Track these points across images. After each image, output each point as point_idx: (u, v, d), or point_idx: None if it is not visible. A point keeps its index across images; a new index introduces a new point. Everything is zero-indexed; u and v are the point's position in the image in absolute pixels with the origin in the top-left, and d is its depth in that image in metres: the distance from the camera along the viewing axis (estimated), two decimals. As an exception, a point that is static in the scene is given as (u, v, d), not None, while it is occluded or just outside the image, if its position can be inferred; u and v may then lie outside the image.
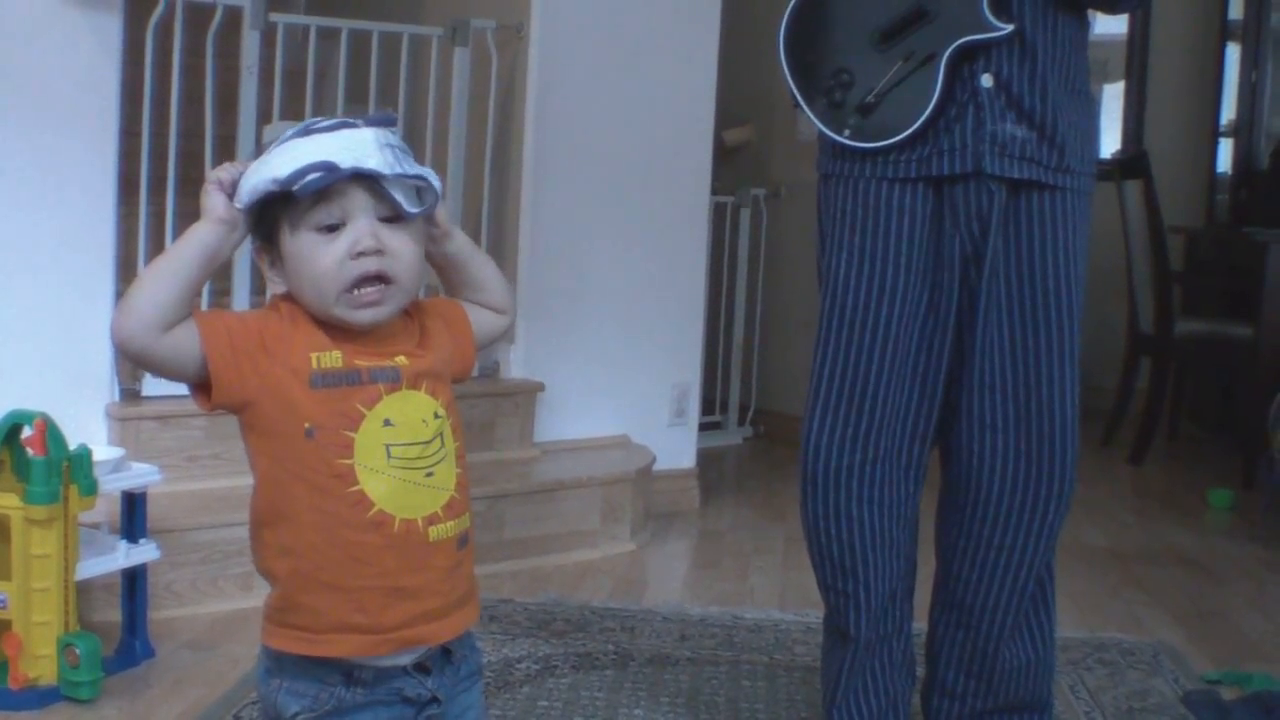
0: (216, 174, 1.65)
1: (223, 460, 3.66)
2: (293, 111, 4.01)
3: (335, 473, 1.63)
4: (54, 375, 3.47)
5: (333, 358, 1.64)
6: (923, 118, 2.32)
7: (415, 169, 1.65)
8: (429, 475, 1.67)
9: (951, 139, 2.34)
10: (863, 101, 2.36)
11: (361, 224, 1.62)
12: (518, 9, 4.41)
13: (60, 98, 3.45)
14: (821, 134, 2.42)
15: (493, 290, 1.85)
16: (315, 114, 4.03)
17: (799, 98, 2.41)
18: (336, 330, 1.66)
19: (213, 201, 1.64)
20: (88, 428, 3.46)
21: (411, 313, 1.75)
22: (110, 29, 3.50)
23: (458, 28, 4.32)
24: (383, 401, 1.64)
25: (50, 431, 2.82)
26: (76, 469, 2.85)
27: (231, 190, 1.64)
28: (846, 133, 2.38)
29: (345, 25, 4.16)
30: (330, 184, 1.60)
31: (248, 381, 1.63)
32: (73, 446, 2.88)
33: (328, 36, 4.21)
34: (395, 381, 1.66)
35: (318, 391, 1.63)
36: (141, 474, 3.12)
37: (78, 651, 2.82)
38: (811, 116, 2.41)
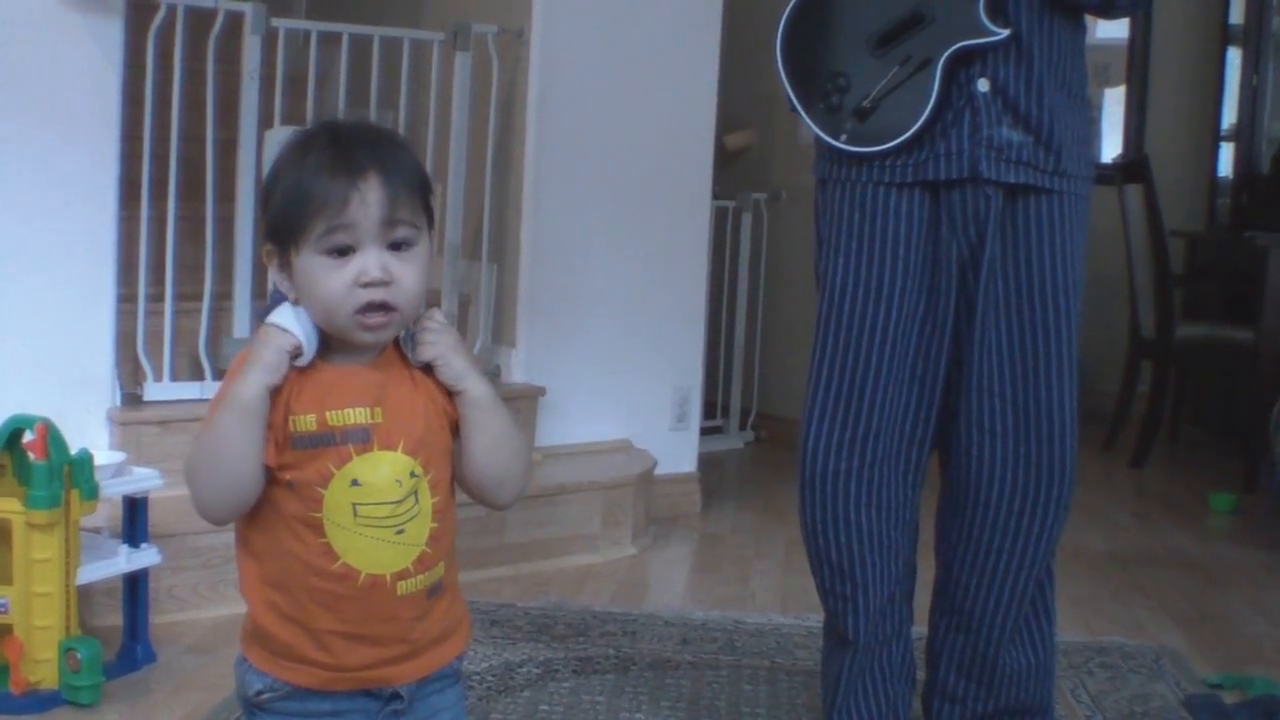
0: (288, 331, 1.66)
1: (224, 465, 3.65)
2: (294, 116, 4.01)
3: (308, 524, 1.67)
4: (55, 379, 3.47)
5: (307, 421, 1.66)
6: (919, 122, 2.32)
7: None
8: (399, 533, 1.69)
9: (948, 143, 2.34)
10: (859, 106, 2.36)
11: (370, 254, 1.64)
12: (519, 13, 4.41)
13: (62, 102, 3.45)
14: (818, 138, 2.42)
15: (490, 477, 1.77)
16: (317, 119, 4.04)
17: (796, 102, 2.42)
18: (314, 373, 1.68)
19: (277, 361, 1.65)
20: (89, 432, 3.46)
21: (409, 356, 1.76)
22: (112, 34, 3.50)
23: (459, 32, 4.32)
24: (352, 462, 1.66)
25: (52, 436, 2.82)
26: (78, 473, 2.86)
27: (296, 354, 1.66)
28: (843, 137, 2.38)
29: (346, 30, 4.16)
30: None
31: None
32: (74, 451, 2.88)
33: (329, 41, 4.21)
34: (365, 442, 1.67)
35: (295, 450, 1.66)
36: (143, 478, 3.13)
37: (79, 656, 2.82)
38: (808, 121, 2.41)
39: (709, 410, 5.60)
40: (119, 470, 3.10)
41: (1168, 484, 5.71)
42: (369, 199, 1.63)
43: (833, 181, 2.46)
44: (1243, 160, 6.87)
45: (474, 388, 1.74)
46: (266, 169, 3.74)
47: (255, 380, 1.63)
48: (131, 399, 3.70)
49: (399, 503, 1.68)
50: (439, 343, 1.72)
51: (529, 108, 4.41)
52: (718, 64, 4.80)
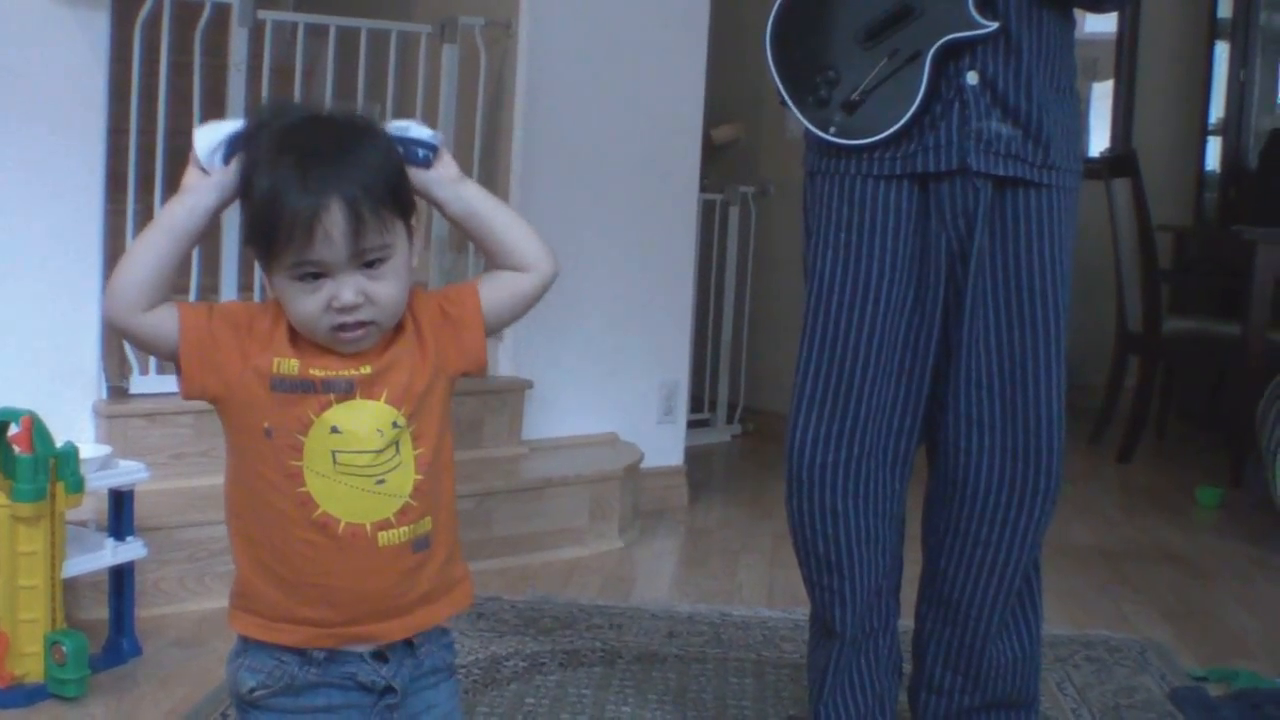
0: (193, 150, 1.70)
1: (210, 458, 3.65)
2: (281, 109, 4.00)
3: (287, 473, 1.67)
4: (41, 372, 3.47)
5: (290, 365, 1.67)
6: (907, 115, 2.32)
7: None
8: (380, 483, 1.69)
9: (936, 136, 2.34)
10: (848, 99, 2.36)
11: (343, 281, 1.63)
12: (506, 6, 4.41)
13: (48, 95, 3.44)
14: (807, 131, 2.42)
15: (512, 248, 1.83)
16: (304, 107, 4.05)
17: (785, 95, 2.42)
18: (294, 337, 1.69)
19: (186, 176, 1.69)
20: (75, 425, 3.46)
21: (420, 314, 1.76)
22: (98, 26, 3.50)
23: (446, 25, 4.32)
24: (331, 409, 1.67)
25: (37, 429, 2.81)
26: (63, 466, 2.85)
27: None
28: (832, 130, 2.38)
29: (333, 22, 4.15)
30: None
31: (207, 380, 1.69)
32: (60, 444, 2.87)
33: (316, 34, 4.20)
34: (348, 391, 1.68)
35: (276, 395, 1.67)
36: (129, 471, 3.12)
37: (64, 649, 2.81)
38: (797, 114, 2.41)
39: (696, 404, 5.60)
40: (105, 463, 3.10)
41: (1154, 478, 5.71)
42: (333, 235, 1.60)
43: (821, 174, 2.46)
44: (1230, 155, 6.88)
45: (472, 189, 1.80)
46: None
47: (172, 200, 1.69)
48: (117, 392, 3.70)
49: (379, 452, 1.69)
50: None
51: (516, 100, 4.41)
52: (705, 57, 4.79)
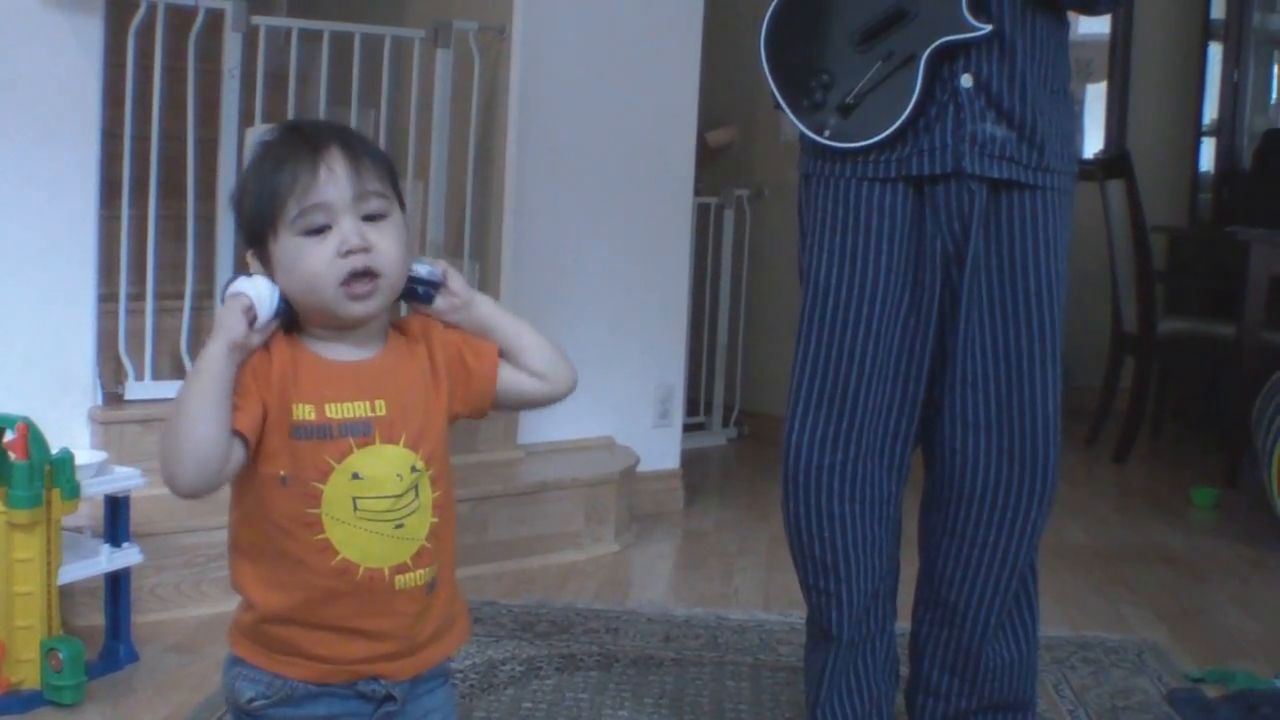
0: (241, 292, 1.67)
1: (206, 463, 3.64)
2: (275, 114, 4.00)
3: (304, 520, 1.67)
4: (36, 379, 3.46)
5: (307, 411, 1.67)
6: (902, 118, 2.32)
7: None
8: (399, 527, 1.70)
9: (931, 139, 2.34)
10: (842, 102, 2.36)
11: (347, 224, 1.66)
12: (500, 11, 4.41)
13: (42, 101, 3.44)
14: (802, 134, 2.42)
15: (530, 355, 1.84)
16: (297, 116, 4.04)
17: (779, 98, 2.42)
18: (315, 366, 1.69)
19: (232, 321, 1.65)
20: (70, 431, 3.46)
21: (419, 345, 1.77)
22: (92, 32, 3.49)
23: (440, 29, 4.31)
24: (353, 455, 1.67)
25: (32, 435, 2.81)
26: (59, 473, 2.85)
27: (253, 316, 1.67)
28: (826, 133, 2.38)
29: (327, 27, 4.15)
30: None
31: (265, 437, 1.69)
32: (55, 450, 2.87)
33: (310, 39, 4.20)
34: (366, 435, 1.68)
35: (295, 442, 1.66)
36: (124, 477, 3.12)
37: (61, 656, 2.81)
38: (791, 117, 2.41)
39: (692, 407, 5.60)
40: (100, 469, 3.09)
41: (1150, 479, 5.72)
42: (337, 172, 1.66)
43: (816, 177, 2.46)
44: (1224, 155, 6.89)
45: (483, 301, 1.82)
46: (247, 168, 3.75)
47: (216, 343, 1.64)
48: (113, 398, 3.70)
49: (399, 497, 1.69)
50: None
51: (511, 105, 4.41)
52: (699, 60, 4.79)
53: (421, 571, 1.72)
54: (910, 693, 2.65)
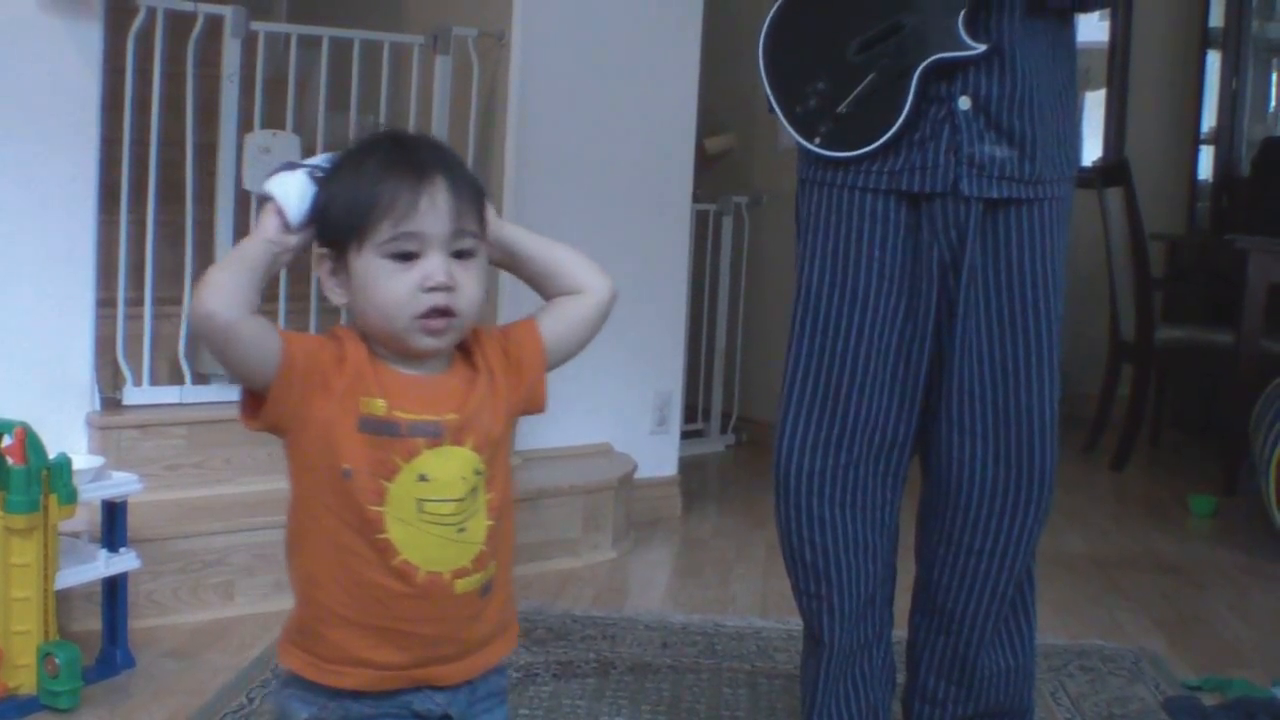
0: (268, 194, 1.66)
1: (203, 469, 3.64)
2: (274, 120, 4.00)
3: (366, 517, 1.63)
4: (34, 384, 3.46)
5: (377, 405, 1.63)
6: (891, 131, 2.32)
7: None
8: (461, 530, 1.67)
9: (924, 156, 2.33)
10: (835, 111, 2.36)
11: (436, 260, 1.63)
12: (499, 17, 4.41)
13: (41, 106, 3.44)
14: (794, 140, 2.43)
15: (564, 273, 1.82)
16: (296, 122, 4.05)
17: (774, 104, 2.42)
18: (387, 374, 1.66)
19: (266, 221, 1.66)
20: (68, 436, 3.45)
21: (475, 355, 1.74)
22: (91, 37, 3.49)
23: (439, 36, 4.31)
24: (421, 456, 1.64)
25: (30, 440, 2.81)
26: (56, 478, 2.85)
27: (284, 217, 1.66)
28: (817, 140, 2.38)
29: (326, 33, 4.15)
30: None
31: (296, 411, 1.64)
32: (53, 455, 2.87)
33: (309, 44, 4.20)
34: (436, 436, 1.65)
35: (362, 436, 1.63)
36: (122, 483, 3.12)
37: (57, 661, 2.81)
38: (784, 123, 2.41)
39: (690, 414, 5.60)
40: (98, 475, 3.09)
41: (1148, 486, 5.72)
42: (439, 204, 1.62)
43: (811, 183, 2.46)
44: (1223, 163, 6.89)
45: (507, 227, 1.79)
46: (247, 173, 3.75)
47: (253, 238, 1.66)
48: (110, 403, 3.69)
49: (462, 500, 1.66)
50: None
51: (509, 111, 4.40)
52: (698, 67, 4.80)
53: (479, 575, 1.69)
54: (907, 700, 2.65)
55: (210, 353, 1.65)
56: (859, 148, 2.35)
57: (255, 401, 1.65)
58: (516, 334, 1.80)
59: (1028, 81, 2.33)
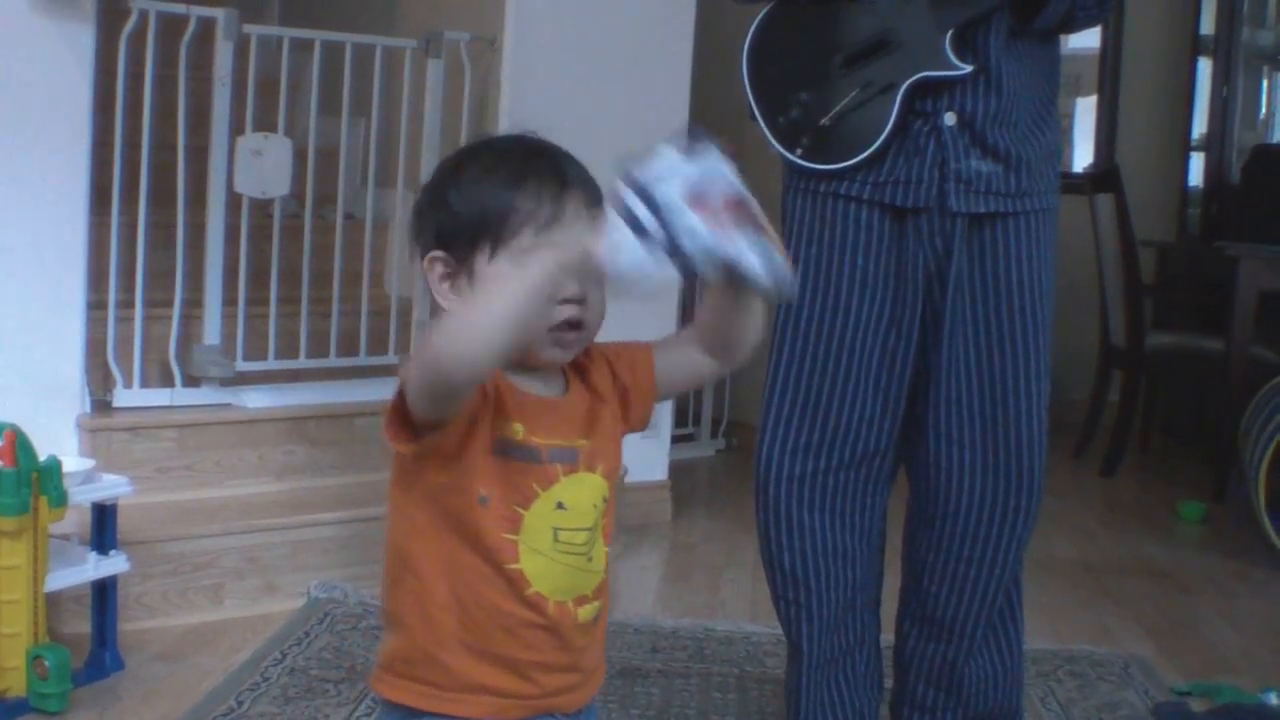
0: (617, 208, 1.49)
1: (194, 472, 3.64)
2: (266, 123, 4.00)
3: (499, 545, 1.57)
4: (24, 385, 3.46)
5: (516, 429, 1.58)
6: (874, 146, 2.32)
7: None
8: (589, 560, 1.63)
9: (909, 170, 2.34)
10: (818, 123, 2.36)
11: None
12: (491, 21, 4.41)
13: (32, 108, 3.44)
14: (775, 150, 2.43)
15: (735, 343, 1.71)
16: (288, 125, 4.05)
17: (756, 112, 2.42)
18: (520, 396, 1.59)
19: (587, 246, 1.48)
20: (58, 439, 3.44)
21: (591, 375, 1.69)
22: (83, 39, 3.49)
23: (431, 39, 4.32)
24: (559, 483, 1.59)
25: (20, 442, 2.81)
26: (46, 480, 2.84)
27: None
28: (799, 151, 2.39)
29: (319, 36, 4.15)
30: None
31: (457, 441, 1.56)
32: (43, 458, 2.87)
33: (301, 48, 4.20)
34: (572, 463, 1.60)
35: (497, 460, 1.57)
36: (112, 485, 3.12)
37: (47, 663, 2.81)
38: (766, 132, 2.41)
39: (680, 418, 5.60)
40: (88, 477, 3.09)
41: (1138, 493, 5.73)
42: (583, 215, 1.59)
43: (795, 190, 2.47)
44: (1213, 170, 6.90)
45: None
46: (238, 175, 3.74)
47: (552, 254, 1.50)
48: (101, 406, 3.69)
49: (592, 529, 1.62)
50: None
51: (501, 115, 4.40)
52: (690, 72, 4.80)
53: (598, 603, 1.65)
54: (895, 706, 2.65)
55: (425, 389, 1.51)
56: (841, 161, 2.35)
57: (407, 421, 1.56)
58: (629, 358, 1.75)
59: (1013, 98, 2.34)
